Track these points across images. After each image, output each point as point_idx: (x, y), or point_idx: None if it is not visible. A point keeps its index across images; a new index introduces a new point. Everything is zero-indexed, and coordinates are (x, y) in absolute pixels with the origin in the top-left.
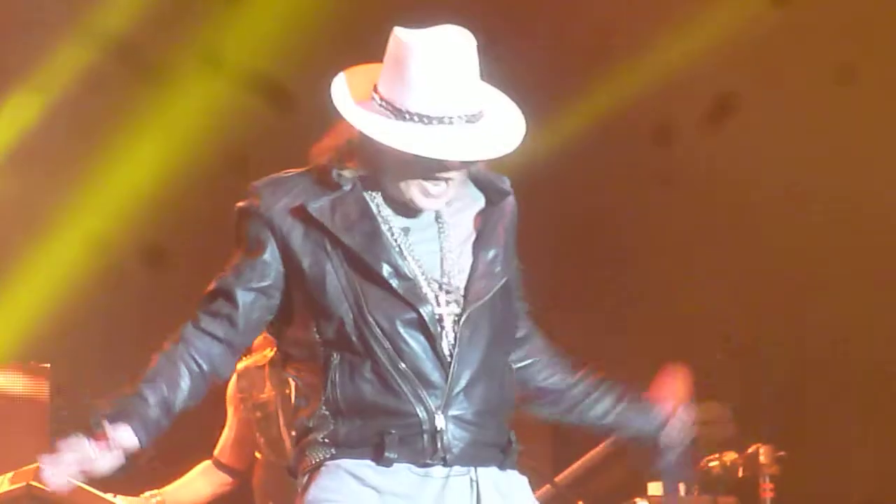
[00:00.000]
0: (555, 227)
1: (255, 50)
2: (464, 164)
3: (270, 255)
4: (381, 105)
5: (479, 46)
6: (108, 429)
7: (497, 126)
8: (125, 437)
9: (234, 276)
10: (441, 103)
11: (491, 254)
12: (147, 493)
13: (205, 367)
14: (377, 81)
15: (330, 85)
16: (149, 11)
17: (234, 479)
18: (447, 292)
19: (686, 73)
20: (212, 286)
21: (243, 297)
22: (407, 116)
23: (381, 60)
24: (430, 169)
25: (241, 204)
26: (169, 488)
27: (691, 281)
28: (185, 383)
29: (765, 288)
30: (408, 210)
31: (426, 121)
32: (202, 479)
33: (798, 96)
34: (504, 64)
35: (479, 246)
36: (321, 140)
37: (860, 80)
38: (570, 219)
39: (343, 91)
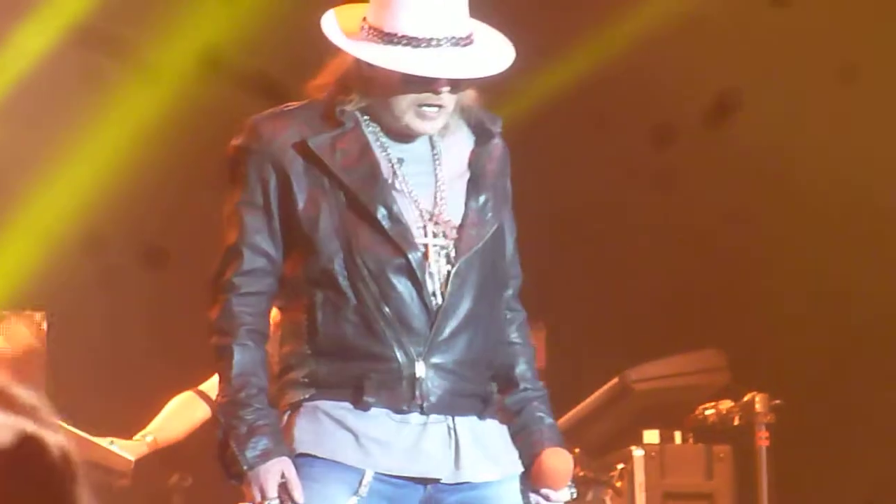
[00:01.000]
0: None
1: (252, 47)
2: (454, 87)
3: (273, 193)
4: (370, 33)
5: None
6: (266, 471)
7: (486, 51)
8: (287, 466)
9: (249, 225)
10: (428, 25)
11: (482, 199)
12: (139, 435)
13: (264, 329)
14: (366, 15)
15: (320, 21)
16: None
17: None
18: (436, 223)
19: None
20: (232, 241)
21: (266, 244)
22: (395, 40)
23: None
24: (421, 89)
25: (237, 140)
26: (155, 426)
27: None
28: (262, 356)
29: (761, 238)
30: (405, 138)
31: (414, 43)
32: (189, 410)
33: (800, 95)
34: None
35: (469, 192)
36: (315, 79)
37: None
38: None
39: (333, 24)
